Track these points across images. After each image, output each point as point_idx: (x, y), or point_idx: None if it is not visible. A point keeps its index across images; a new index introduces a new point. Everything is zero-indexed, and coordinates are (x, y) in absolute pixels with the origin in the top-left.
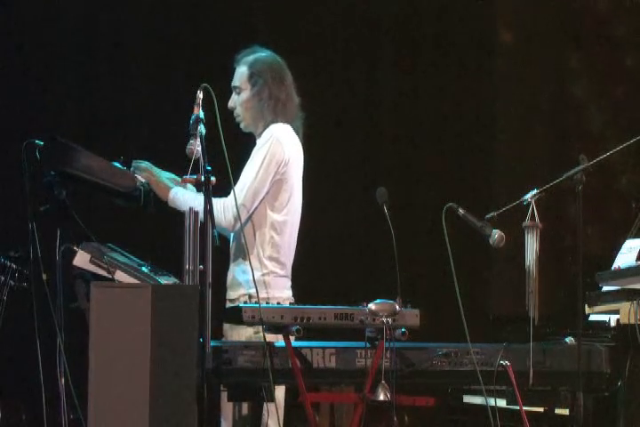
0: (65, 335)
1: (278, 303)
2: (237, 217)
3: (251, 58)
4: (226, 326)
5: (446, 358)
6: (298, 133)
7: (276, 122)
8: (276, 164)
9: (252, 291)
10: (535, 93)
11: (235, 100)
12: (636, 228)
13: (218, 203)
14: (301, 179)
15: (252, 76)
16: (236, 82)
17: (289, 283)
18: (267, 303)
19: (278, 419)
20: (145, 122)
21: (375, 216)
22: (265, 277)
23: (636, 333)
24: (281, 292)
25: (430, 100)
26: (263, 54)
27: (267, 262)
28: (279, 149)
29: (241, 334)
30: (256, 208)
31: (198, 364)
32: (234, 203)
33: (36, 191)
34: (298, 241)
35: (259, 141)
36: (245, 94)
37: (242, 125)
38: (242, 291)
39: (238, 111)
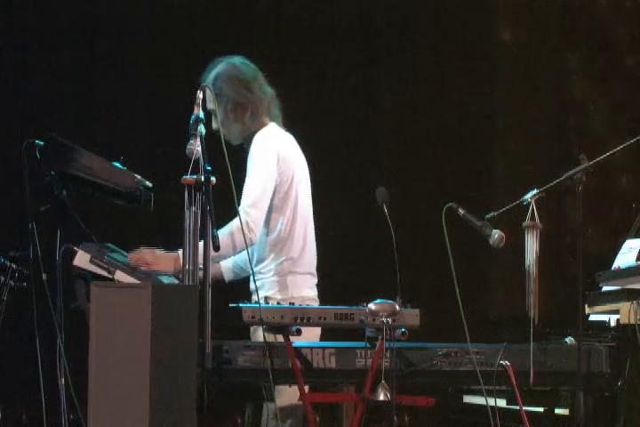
0: (65, 335)
1: (292, 303)
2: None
3: (211, 77)
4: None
5: (446, 358)
6: (279, 122)
7: (261, 126)
8: (273, 164)
9: (269, 293)
10: (535, 93)
11: (215, 122)
12: (636, 228)
13: (244, 221)
14: (306, 171)
15: (217, 96)
16: (209, 106)
17: (311, 281)
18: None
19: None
20: (145, 122)
21: (375, 216)
22: (282, 277)
23: (635, 333)
24: (301, 291)
25: (430, 99)
26: (222, 67)
27: (283, 263)
28: (272, 151)
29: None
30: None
31: (198, 364)
32: (254, 219)
33: (35, 191)
34: None
35: (250, 150)
36: (219, 114)
37: (231, 142)
38: (261, 294)
39: (222, 131)
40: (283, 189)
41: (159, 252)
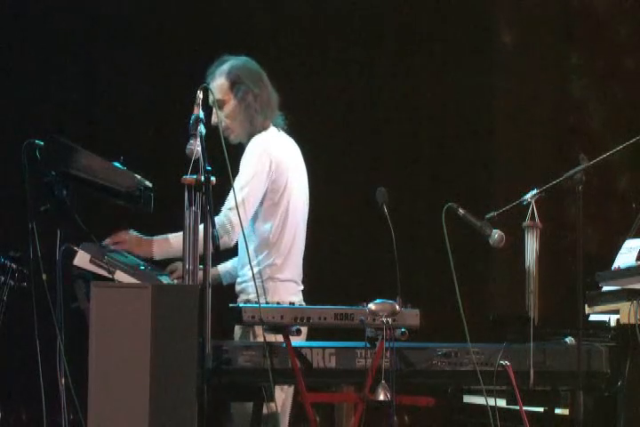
0: (65, 335)
1: (292, 303)
2: (239, 229)
3: (225, 67)
4: (236, 327)
5: (446, 358)
6: (280, 130)
7: (262, 129)
8: (264, 171)
9: (251, 297)
10: (535, 93)
11: (218, 115)
12: (636, 228)
13: (221, 223)
14: (304, 180)
15: (234, 85)
16: (217, 95)
17: (295, 288)
18: None
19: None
20: (145, 122)
21: (375, 216)
22: (264, 283)
23: (636, 333)
24: (282, 297)
25: (430, 99)
26: (235, 60)
27: (265, 268)
28: (265, 156)
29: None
30: (253, 216)
31: (198, 364)
32: (231, 222)
33: (36, 191)
34: None
35: (244, 153)
36: (231, 104)
37: (231, 138)
38: (243, 296)
39: (225, 124)
40: (274, 196)
41: (135, 234)
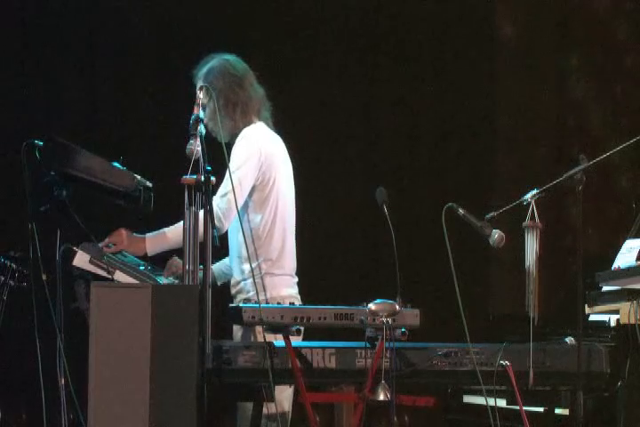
0: (65, 335)
1: (279, 303)
2: (231, 216)
3: (204, 71)
4: (235, 327)
5: (446, 358)
6: (268, 124)
7: (249, 124)
8: (253, 162)
9: (249, 295)
10: (535, 93)
11: (205, 116)
12: (636, 228)
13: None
14: (291, 173)
15: (208, 90)
16: (199, 99)
17: (291, 280)
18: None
19: (283, 421)
20: (145, 122)
21: (375, 216)
22: (259, 279)
23: (636, 333)
24: (279, 291)
25: (430, 99)
26: (216, 62)
27: (260, 264)
28: (255, 147)
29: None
30: (243, 209)
31: (198, 364)
32: (222, 209)
33: (36, 191)
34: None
35: (233, 147)
36: (209, 109)
37: (218, 138)
38: (241, 296)
39: (210, 126)
40: (264, 189)
41: (128, 233)
